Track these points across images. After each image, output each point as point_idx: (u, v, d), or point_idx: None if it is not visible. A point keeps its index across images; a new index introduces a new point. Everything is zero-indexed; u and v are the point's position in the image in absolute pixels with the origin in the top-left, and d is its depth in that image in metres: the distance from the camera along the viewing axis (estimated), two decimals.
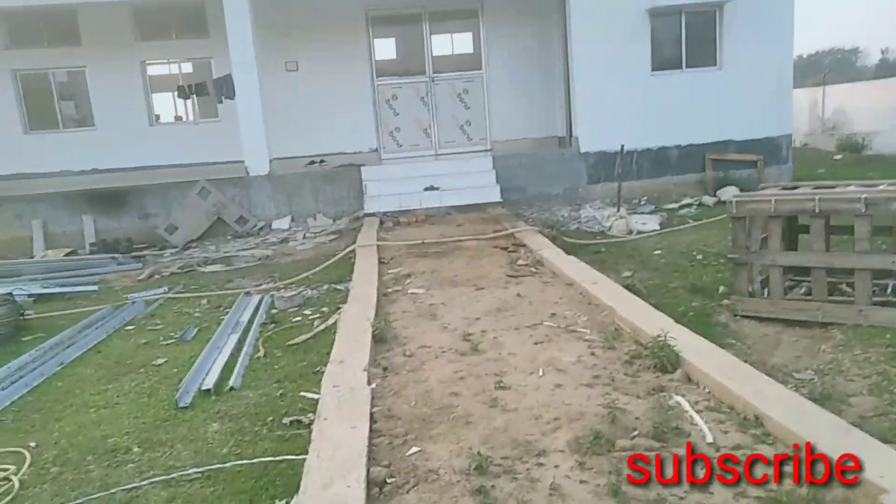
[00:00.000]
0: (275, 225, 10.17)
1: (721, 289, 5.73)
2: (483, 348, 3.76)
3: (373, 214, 9.62)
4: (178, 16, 11.89)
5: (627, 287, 5.68)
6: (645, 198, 10.61)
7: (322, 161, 11.62)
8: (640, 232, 8.36)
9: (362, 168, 10.33)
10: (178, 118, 12.47)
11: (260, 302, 6.32)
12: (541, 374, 3.34)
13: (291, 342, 5.02)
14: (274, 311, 6.06)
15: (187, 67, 12.53)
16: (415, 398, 3.14)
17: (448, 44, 12.39)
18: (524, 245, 6.82)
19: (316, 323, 5.49)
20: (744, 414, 2.85)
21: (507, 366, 3.49)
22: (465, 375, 3.36)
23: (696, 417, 2.84)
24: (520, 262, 6.18)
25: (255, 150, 10.07)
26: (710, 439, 2.71)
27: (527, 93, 12.02)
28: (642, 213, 9.59)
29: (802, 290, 5.11)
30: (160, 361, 4.96)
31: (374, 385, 3.27)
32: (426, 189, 10.02)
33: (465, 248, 6.99)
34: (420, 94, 11.94)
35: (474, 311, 4.59)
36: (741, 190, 10.34)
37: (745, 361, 3.79)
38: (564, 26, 10.81)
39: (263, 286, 7.05)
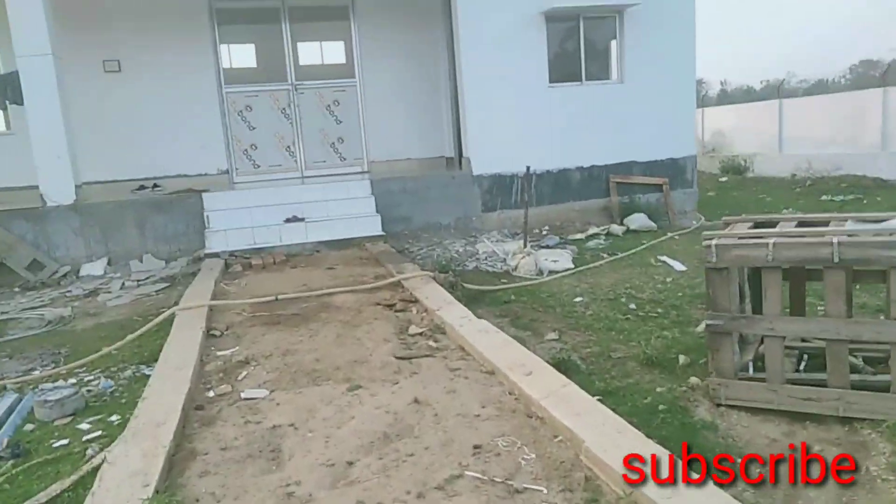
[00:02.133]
0: (84, 271, 7.71)
1: (682, 359, 4.30)
2: None
3: (216, 255, 7.46)
4: None
5: (561, 362, 4.12)
6: (546, 227, 9.28)
7: (155, 186, 9.27)
8: (551, 272, 6.90)
9: (204, 195, 8.14)
10: None
11: (11, 408, 4.07)
12: None
13: None
14: (30, 426, 3.85)
15: None
16: None
17: (314, 46, 10.51)
18: (416, 300, 5.06)
19: (89, 451, 3.39)
20: None
21: None
22: None
23: None
24: (413, 329, 4.40)
25: (53, 173, 7.59)
26: None
27: (409, 107, 10.40)
28: (547, 245, 8.19)
29: (803, 365, 3.75)
30: None
31: None
32: (288, 220, 8.02)
33: (335, 306, 5.11)
34: (281, 105, 9.94)
35: (346, 441, 2.75)
36: (649, 217, 9.32)
37: None
38: (451, 32, 9.33)
39: (37, 373, 4.76)
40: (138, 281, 7.40)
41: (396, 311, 4.90)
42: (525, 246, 7.04)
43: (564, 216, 9.50)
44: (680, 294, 6.00)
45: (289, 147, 10.05)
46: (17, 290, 7.42)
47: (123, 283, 7.34)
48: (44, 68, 7.38)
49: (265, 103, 9.88)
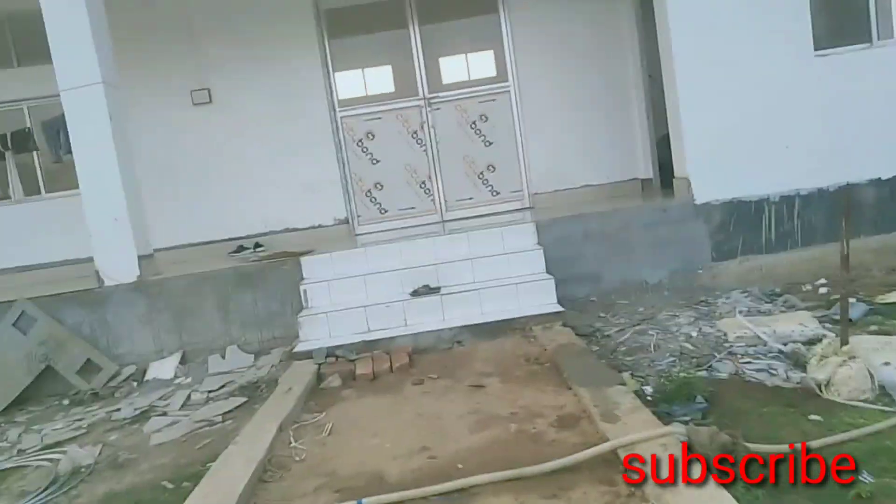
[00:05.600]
0: (151, 372, 5.65)
1: None
2: None
3: (308, 354, 4.96)
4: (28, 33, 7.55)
5: None
6: (822, 280, 5.75)
7: (258, 246, 7.17)
8: None
9: (302, 259, 5.77)
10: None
11: None
12: None
13: None
14: None
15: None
16: None
17: (453, 48, 7.88)
18: None
19: None
20: None
21: None
22: None
23: None
24: None
25: (109, 240, 5.66)
26: None
27: (583, 115, 7.44)
28: (851, 320, 4.69)
29: None
30: None
31: None
32: (416, 292, 5.38)
33: None
34: (412, 128, 7.46)
35: None
36: None
37: None
38: (643, 8, 6.30)
39: None
40: (209, 392, 5.13)
41: None
42: (845, 341, 3.67)
43: (852, 261, 5.86)
44: None
45: (423, 182, 7.52)
46: (66, 402, 5.52)
47: (190, 396, 5.12)
48: (91, 101, 5.49)
49: (391, 127, 7.45)
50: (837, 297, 5.22)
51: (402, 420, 3.54)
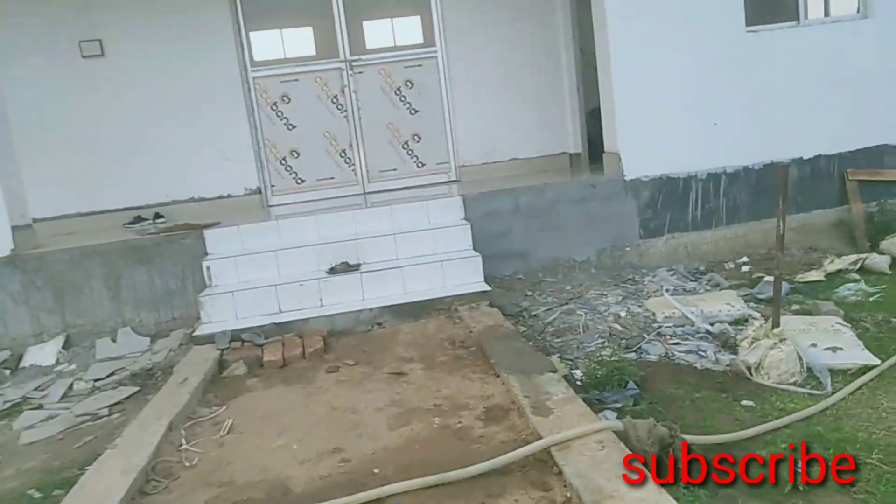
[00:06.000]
0: (29, 358, 4.99)
1: None
2: None
3: (210, 338, 4.48)
4: None
5: None
6: (745, 258, 5.77)
7: (158, 217, 6.51)
8: (832, 372, 3.44)
9: (206, 232, 5.23)
10: None
11: None
12: None
13: None
14: None
15: None
16: None
17: (378, 10, 7.36)
18: None
19: None
20: None
21: None
22: None
23: None
24: None
25: None
26: None
27: (513, 85, 7.13)
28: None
29: None
30: None
31: None
32: (333, 270, 4.97)
33: None
34: (331, 92, 6.93)
35: None
36: None
37: None
38: None
39: None
40: (96, 381, 4.56)
41: None
42: (777, 324, 3.57)
43: (772, 240, 5.91)
44: None
45: (344, 151, 7.03)
46: None
47: (72, 385, 4.54)
48: None
49: (309, 90, 6.90)
50: (760, 275, 5.25)
51: (314, 415, 3.16)
